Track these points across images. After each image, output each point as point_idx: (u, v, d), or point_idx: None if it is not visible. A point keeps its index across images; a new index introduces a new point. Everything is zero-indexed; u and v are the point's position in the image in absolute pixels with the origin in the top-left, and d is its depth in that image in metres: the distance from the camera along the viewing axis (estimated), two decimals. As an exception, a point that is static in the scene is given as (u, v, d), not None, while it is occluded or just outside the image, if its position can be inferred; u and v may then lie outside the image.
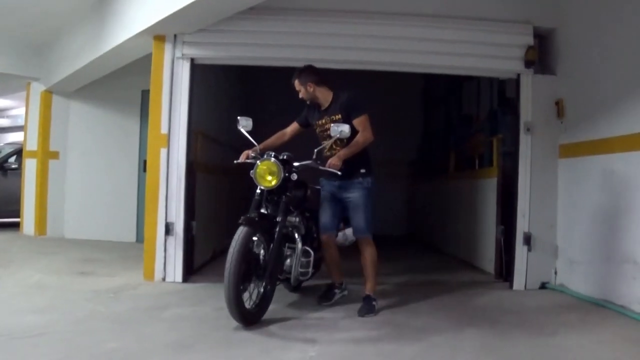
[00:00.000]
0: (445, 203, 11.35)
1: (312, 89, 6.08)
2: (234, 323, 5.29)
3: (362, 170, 6.05)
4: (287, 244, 5.98)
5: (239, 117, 5.99)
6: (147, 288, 6.96)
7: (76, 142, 11.57)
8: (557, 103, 7.55)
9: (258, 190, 5.67)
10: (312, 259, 6.02)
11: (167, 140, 7.40)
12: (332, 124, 5.73)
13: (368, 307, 5.96)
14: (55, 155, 11.64)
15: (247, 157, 5.93)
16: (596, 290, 6.64)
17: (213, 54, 7.61)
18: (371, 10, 7.55)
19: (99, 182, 11.33)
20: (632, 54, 6.19)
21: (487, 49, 7.54)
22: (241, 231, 5.19)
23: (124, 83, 10.79)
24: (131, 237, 10.94)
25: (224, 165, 10.17)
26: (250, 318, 5.33)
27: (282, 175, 5.54)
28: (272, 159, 5.59)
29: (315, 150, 5.87)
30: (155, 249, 7.37)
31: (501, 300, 6.87)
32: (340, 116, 5.98)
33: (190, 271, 7.66)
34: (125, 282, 7.22)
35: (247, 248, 5.25)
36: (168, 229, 7.36)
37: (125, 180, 11.16)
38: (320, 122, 6.17)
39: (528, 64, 7.55)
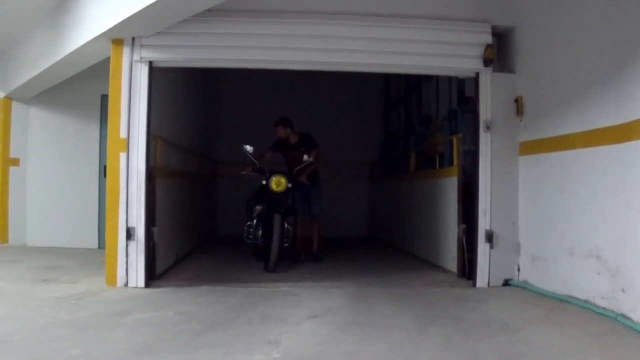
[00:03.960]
0: (407, 203, 11.40)
1: (290, 131, 9.69)
2: (197, 327, 5.37)
3: (318, 179, 9.88)
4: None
5: (244, 146, 8.58)
6: (109, 294, 6.90)
7: (36, 148, 11.41)
8: (516, 101, 7.63)
9: (269, 192, 8.75)
10: (290, 232, 8.96)
11: (127, 144, 7.32)
12: (304, 155, 9.05)
13: (316, 258, 9.82)
14: (15, 162, 11.48)
15: (250, 171, 9.00)
16: (559, 286, 6.71)
17: (171, 56, 7.57)
18: (331, 10, 7.59)
19: (61, 189, 11.20)
20: (589, 50, 6.27)
21: (446, 47, 7.60)
22: (278, 218, 8.55)
23: (83, 88, 10.71)
24: (93, 243, 10.88)
25: (185, 170, 10.13)
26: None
27: (287, 185, 8.71)
28: (282, 175, 8.78)
29: (295, 170, 9.18)
30: (117, 254, 7.29)
31: (465, 298, 6.92)
32: (304, 148, 9.42)
33: (153, 276, 7.60)
34: (87, 288, 7.15)
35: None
36: (129, 234, 7.28)
37: (87, 186, 11.06)
38: (292, 153, 9.69)
39: (487, 62, 7.63)
